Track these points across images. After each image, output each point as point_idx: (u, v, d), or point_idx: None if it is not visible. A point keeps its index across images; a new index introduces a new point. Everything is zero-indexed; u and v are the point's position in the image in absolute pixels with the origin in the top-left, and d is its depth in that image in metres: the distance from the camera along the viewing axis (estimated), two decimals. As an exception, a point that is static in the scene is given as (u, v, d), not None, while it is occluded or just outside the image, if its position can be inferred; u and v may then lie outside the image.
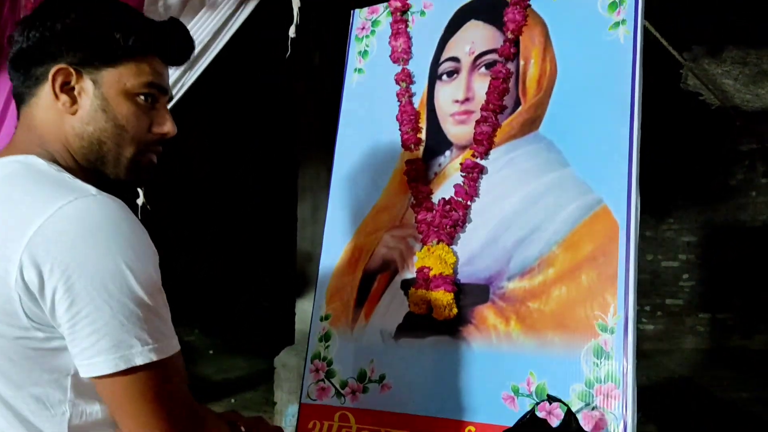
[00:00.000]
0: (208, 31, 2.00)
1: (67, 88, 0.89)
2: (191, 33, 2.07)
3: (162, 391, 0.79)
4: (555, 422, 1.29)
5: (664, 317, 7.30)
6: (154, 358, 0.77)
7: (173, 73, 2.01)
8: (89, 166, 0.91)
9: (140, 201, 2.07)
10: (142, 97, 0.92)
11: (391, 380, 1.53)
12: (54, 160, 0.88)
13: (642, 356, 6.78)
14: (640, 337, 7.12)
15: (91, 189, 0.81)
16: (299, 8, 1.89)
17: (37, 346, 0.79)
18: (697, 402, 5.08)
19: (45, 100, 0.90)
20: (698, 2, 2.98)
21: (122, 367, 0.76)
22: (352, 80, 1.81)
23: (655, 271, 7.40)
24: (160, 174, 1.04)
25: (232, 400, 4.71)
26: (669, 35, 3.28)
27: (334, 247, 1.69)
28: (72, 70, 0.89)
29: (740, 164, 6.95)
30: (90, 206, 0.78)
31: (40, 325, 0.78)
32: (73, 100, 0.89)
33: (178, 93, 2.04)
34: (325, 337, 1.63)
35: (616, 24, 1.47)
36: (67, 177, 0.84)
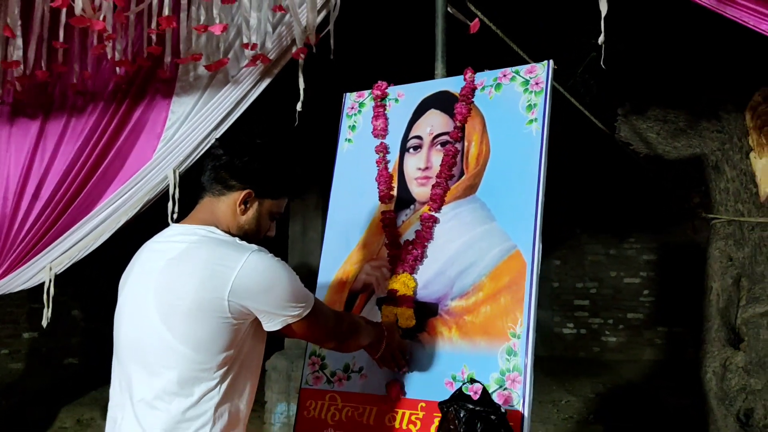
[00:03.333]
0: (231, 101, 2.46)
1: (244, 201, 1.49)
2: (218, 103, 2.59)
3: (321, 319, 1.53)
4: (476, 397, 1.71)
5: (625, 330, 7.57)
6: (310, 308, 1.48)
7: (205, 131, 2.51)
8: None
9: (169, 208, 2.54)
10: (273, 217, 1.56)
11: (367, 371, 1.93)
12: (222, 232, 1.47)
13: (604, 367, 7.16)
14: (603, 349, 7.47)
15: (254, 246, 1.42)
16: (303, 88, 2.41)
17: (229, 324, 1.39)
18: (642, 407, 5.50)
19: (230, 201, 1.50)
20: (630, 68, 3.50)
21: (300, 318, 1.46)
22: (343, 147, 2.26)
23: (618, 286, 7.67)
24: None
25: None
26: (608, 90, 3.81)
27: (328, 271, 2.14)
28: (253, 194, 1.50)
29: (696, 189, 7.38)
30: (259, 257, 1.41)
31: (236, 315, 1.40)
32: (245, 210, 1.50)
33: (204, 147, 2.52)
34: None
35: (531, 121, 1.92)
36: (238, 240, 1.45)
